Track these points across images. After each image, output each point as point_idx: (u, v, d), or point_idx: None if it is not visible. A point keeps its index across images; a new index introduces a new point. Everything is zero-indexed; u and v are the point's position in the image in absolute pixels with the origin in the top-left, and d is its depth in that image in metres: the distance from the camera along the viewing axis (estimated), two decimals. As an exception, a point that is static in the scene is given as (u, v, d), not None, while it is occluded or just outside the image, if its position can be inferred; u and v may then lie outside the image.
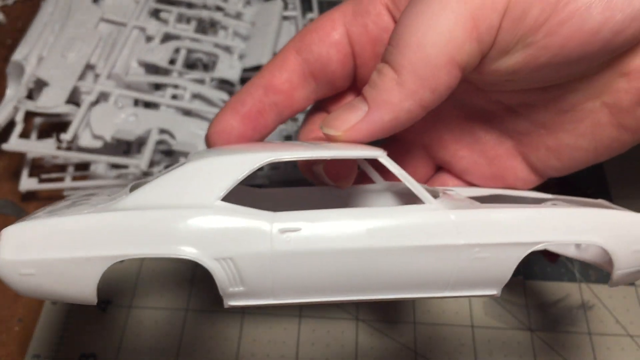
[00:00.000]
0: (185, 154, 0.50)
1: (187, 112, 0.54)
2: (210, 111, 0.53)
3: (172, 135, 0.51)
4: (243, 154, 0.31)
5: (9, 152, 0.53)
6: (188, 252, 0.29)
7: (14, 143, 0.51)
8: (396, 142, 0.42)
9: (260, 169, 0.52)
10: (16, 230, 0.29)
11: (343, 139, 0.33)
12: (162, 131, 0.51)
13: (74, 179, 0.52)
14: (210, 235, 0.29)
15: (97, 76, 0.55)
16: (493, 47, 0.31)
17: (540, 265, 0.49)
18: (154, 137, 0.51)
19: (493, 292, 0.32)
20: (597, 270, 0.48)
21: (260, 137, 0.37)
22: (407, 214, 0.31)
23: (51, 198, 0.52)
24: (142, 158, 0.51)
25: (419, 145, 0.42)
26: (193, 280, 0.48)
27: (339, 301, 0.31)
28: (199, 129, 0.52)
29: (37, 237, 0.29)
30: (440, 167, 0.43)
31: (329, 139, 0.34)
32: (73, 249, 0.29)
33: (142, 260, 0.49)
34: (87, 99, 0.53)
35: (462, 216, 0.31)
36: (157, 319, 0.46)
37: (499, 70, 0.32)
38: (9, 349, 0.44)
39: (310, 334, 0.45)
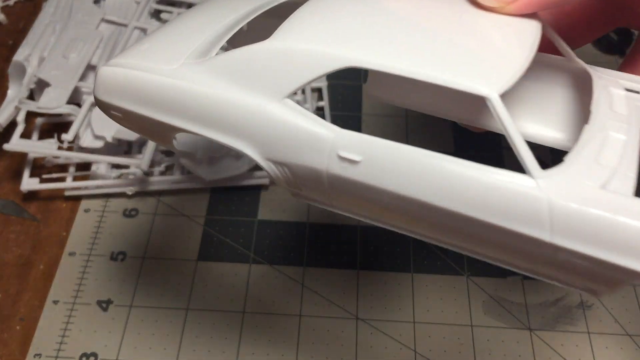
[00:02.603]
0: (185, 154, 0.51)
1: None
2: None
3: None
4: (327, 50, 0.28)
5: (11, 152, 0.53)
6: (241, 146, 0.29)
7: (16, 143, 0.51)
8: None
9: (259, 167, 0.52)
10: (110, 74, 0.32)
11: (504, 12, 0.29)
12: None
13: (75, 179, 0.52)
14: (268, 135, 0.28)
15: (98, 77, 0.56)
16: None
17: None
18: (155, 138, 0.51)
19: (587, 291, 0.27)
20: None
21: None
22: (495, 183, 0.25)
23: (52, 198, 0.52)
24: (142, 158, 0.51)
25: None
26: (194, 280, 0.48)
27: (398, 230, 0.30)
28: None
29: (126, 86, 0.31)
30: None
31: (483, 7, 0.29)
32: (151, 109, 0.31)
33: (143, 260, 0.49)
34: (88, 100, 0.53)
35: (567, 209, 0.24)
36: (157, 319, 0.46)
37: None
38: (10, 347, 0.45)
39: (310, 333, 0.45)
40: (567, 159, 0.26)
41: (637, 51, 0.39)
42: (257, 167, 0.52)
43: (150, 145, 0.51)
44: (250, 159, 0.30)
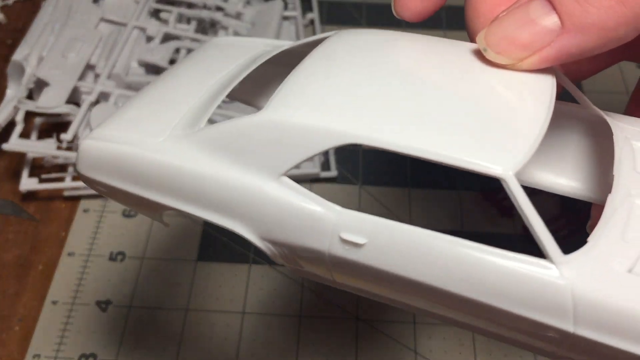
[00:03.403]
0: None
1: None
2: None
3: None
4: (326, 125, 0.25)
5: (9, 152, 0.53)
6: (235, 226, 0.27)
7: (14, 143, 0.51)
8: None
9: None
10: (93, 149, 0.30)
11: (517, 68, 0.26)
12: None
13: (75, 179, 0.52)
14: (264, 216, 0.27)
15: (97, 76, 0.55)
16: None
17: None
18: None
19: None
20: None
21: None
22: (513, 269, 0.23)
23: (51, 198, 0.52)
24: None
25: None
26: (193, 280, 0.48)
27: (409, 310, 0.28)
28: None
29: (110, 161, 0.29)
30: None
31: (492, 64, 0.27)
32: (137, 186, 0.29)
33: (142, 260, 0.49)
34: (87, 99, 0.53)
35: (592, 299, 0.22)
36: (157, 319, 0.46)
37: None
38: (9, 348, 0.44)
39: (310, 333, 0.45)
40: (591, 238, 0.24)
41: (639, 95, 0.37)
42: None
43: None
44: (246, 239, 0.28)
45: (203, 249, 0.49)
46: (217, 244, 0.49)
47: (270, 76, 0.29)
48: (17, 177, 0.53)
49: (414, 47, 0.29)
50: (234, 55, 0.34)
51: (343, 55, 0.29)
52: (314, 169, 0.52)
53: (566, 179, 0.34)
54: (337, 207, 0.26)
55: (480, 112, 0.25)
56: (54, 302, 0.46)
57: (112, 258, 0.49)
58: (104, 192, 0.31)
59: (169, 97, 0.32)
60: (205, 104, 0.30)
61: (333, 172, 0.53)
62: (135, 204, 0.31)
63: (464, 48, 0.28)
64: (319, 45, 0.30)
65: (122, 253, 0.49)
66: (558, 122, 0.33)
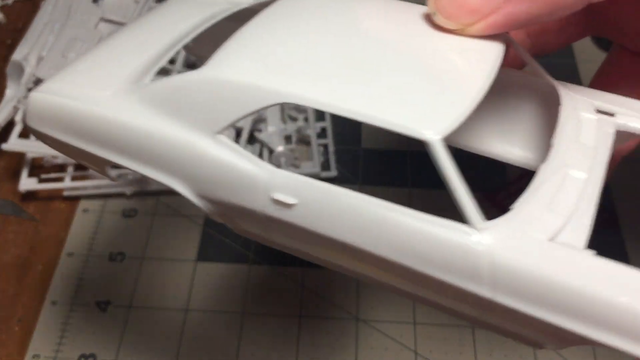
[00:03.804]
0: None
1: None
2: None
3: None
4: (260, 84, 0.26)
5: (9, 152, 0.53)
6: (172, 183, 0.28)
7: (14, 143, 0.51)
8: None
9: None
10: (41, 101, 0.30)
11: (465, 33, 0.26)
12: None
13: (74, 179, 0.52)
14: (200, 173, 0.27)
15: (97, 76, 0.55)
16: None
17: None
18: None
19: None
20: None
21: None
22: (433, 233, 0.23)
23: (51, 198, 0.52)
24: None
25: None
26: (193, 280, 0.47)
27: (338, 270, 0.28)
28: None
29: (56, 115, 0.29)
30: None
31: (442, 28, 0.27)
32: (81, 140, 0.29)
33: (141, 261, 0.49)
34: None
35: (509, 266, 0.22)
36: (156, 319, 0.46)
37: None
38: (9, 349, 0.44)
39: (310, 334, 0.45)
40: (516, 206, 0.24)
41: (610, 65, 0.38)
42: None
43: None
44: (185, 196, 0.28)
45: (203, 249, 0.49)
46: (217, 244, 0.49)
47: (230, 33, 0.29)
48: (16, 177, 0.52)
49: (364, 9, 0.29)
50: (194, 11, 0.34)
51: (290, 15, 0.29)
52: (314, 169, 0.52)
53: (519, 148, 0.34)
54: (271, 167, 0.26)
55: (419, 76, 0.25)
56: (54, 303, 0.46)
57: (112, 258, 0.49)
58: (53, 145, 0.31)
59: (123, 49, 0.32)
60: (156, 58, 0.31)
61: (333, 172, 0.53)
62: (81, 158, 0.31)
63: (417, 11, 0.29)
64: (270, 5, 0.30)
65: (121, 253, 0.49)
66: (514, 91, 0.33)
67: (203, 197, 0.28)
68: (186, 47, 0.32)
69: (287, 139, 0.53)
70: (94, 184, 0.51)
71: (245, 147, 0.51)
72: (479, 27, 0.26)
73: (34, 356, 0.44)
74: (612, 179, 0.52)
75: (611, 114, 0.29)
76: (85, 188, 0.52)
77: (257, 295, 0.47)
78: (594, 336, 0.22)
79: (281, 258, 0.48)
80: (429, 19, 0.28)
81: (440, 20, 0.27)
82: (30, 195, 0.52)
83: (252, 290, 0.47)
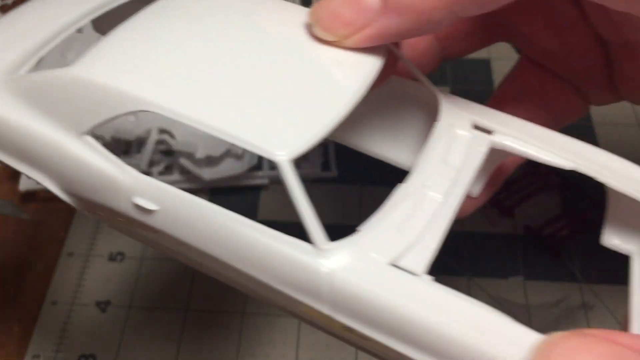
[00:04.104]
0: (185, 154, 0.50)
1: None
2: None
3: (172, 135, 0.51)
4: (124, 89, 0.25)
5: (9, 152, 0.53)
6: (39, 177, 0.28)
7: (14, 143, 0.51)
8: None
9: (259, 167, 0.52)
10: None
11: (342, 45, 0.27)
12: (162, 131, 0.51)
13: (74, 179, 0.52)
14: (66, 171, 0.27)
15: (96, 76, 0.55)
16: None
17: (540, 265, 0.49)
18: (154, 137, 0.51)
19: None
20: (598, 271, 0.48)
21: None
22: (280, 249, 0.24)
23: (51, 198, 0.52)
24: (141, 158, 0.51)
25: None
26: (193, 280, 0.47)
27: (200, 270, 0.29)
28: (199, 129, 0.52)
29: None
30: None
31: (321, 40, 0.27)
32: None
33: (141, 261, 0.48)
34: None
35: (345, 287, 0.23)
36: (156, 320, 0.46)
37: None
38: (8, 349, 0.44)
39: (310, 334, 0.45)
40: (363, 227, 0.24)
41: (514, 76, 0.38)
42: (257, 167, 0.52)
43: (150, 144, 0.51)
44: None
45: (203, 249, 0.49)
46: (217, 244, 0.49)
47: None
48: (16, 177, 0.52)
49: (245, 14, 0.29)
50: None
51: (169, 18, 0.29)
52: (314, 169, 0.52)
53: (409, 154, 0.34)
54: (134, 172, 0.26)
55: (286, 91, 0.25)
56: (54, 303, 0.46)
57: (112, 258, 0.49)
58: None
59: (6, 37, 0.31)
60: (38, 47, 0.30)
61: (333, 172, 0.53)
62: None
63: (304, 18, 0.28)
64: (152, 3, 0.30)
65: (121, 253, 0.49)
66: (406, 99, 0.33)
67: (69, 193, 0.28)
68: (99, 30, 0.31)
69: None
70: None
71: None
72: (354, 40, 0.26)
73: (34, 356, 0.44)
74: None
75: (489, 132, 0.29)
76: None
77: (257, 296, 0.47)
78: None
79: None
80: (310, 30, 0.28)
81: (318, 32, 0.27)
82: (30, 196, 0.52)
83: (252, 290, 0.47)
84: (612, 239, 0.30)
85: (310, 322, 0.27)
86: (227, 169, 0.51)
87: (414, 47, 0.36)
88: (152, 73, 0.26)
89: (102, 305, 0.46)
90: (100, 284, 0.47)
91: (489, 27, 0.37)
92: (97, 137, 0.50)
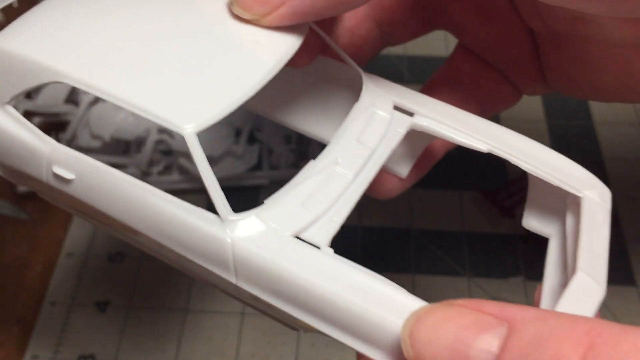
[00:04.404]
0: (184, 154, 0.50)
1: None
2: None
3: (171, 135, 0.51)
4: (40, 60, 0.26)
5: (8, 152, 0.52)
6: None
7: (13, 143, 0.51)
8: None
9: (259, 167, 0.51)
10: None
11: (259, 24, 0.27)
12: (161, 131, 0.51)
13: (73, 179, 0.52)
14: None
15: (96, 76, 0.55)
16: None
17: (541, 266, 0.49)
18: (153, 137, 0.51)
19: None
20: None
21: None
22: (188, 219, 0.25)
23: (50, 198, 0.52)
24: (141, 158, 0.51)
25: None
26: (193, 281, 0.47)
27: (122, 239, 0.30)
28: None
29: None
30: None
31: (241, 19, 0.28)
32: None
33: (141, 261, 0.48)
34: (86, 99, 0.53)
35: (247, 256, 0.24)
36: (156, 320, 0.46)
37: None
38: (7, 349, 0.44)
39: (310, 334, 0.45)
40: (268, 200, 0.26)
41: (450, 64, 0.38)
42: (257, 167, 0.52)
43: (149, 144, 0.51)
44: None
45: (202, 249, 0.49)
46: (217, 244, 0.49)
47: None
48: (15, 177, 0.52)
49: None
50: None
51: None
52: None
53: (331, 133, 0.35)
54: (53, 142, 0.27)
55: (200, 67, 0.26)
56: (53, 303, 0.46)
57: (111, 258, 0.49)
58: None
59: None
60: None
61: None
62: None
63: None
64: None
65: (121, 253, 0.49)
66: (334, 79, 0.34)
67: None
68: None
69: (287, 139, 0.53)
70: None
71: (244, 147, 0.51)
72: (271, 19, 0.27)
73: (33, 357, 0.44)
74: (613, 179, 0.51)
75: (410, 113, 0.30)
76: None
77: (257, 296, 0.47)
78: (320, 328, 0.24)
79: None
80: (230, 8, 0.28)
81: (237, 10, 0.27)
82: (29, 195, 0.52)
83: (252, 290, 0.47)
84: (531, 222, 0.31)
85: (231, 295, 0.28)
86: (227, 169, 0.50)
87: (354, 32, 0.36)
88: (69, 46, 0.27)
89: (102, 305, 0.46)
90: (99, 284, 0.47)
91: (426, 15, 0.38)
92: (96, 137, 0.51)
